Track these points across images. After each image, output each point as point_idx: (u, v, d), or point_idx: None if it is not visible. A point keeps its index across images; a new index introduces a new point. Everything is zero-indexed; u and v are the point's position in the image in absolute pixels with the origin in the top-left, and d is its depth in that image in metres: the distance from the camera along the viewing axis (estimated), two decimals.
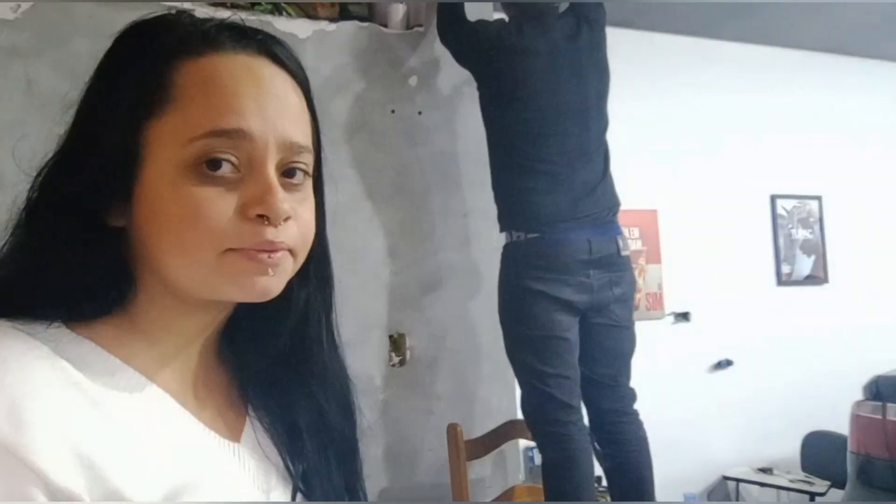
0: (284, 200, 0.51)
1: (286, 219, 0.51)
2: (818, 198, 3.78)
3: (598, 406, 1.90)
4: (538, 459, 1.90)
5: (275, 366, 0.62)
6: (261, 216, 0.50)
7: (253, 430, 0.61)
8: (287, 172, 0.53)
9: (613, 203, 1.93)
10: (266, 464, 0.60)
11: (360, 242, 2.07)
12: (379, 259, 2.10)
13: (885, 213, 3.88)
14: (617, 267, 1.86)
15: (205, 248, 0.49)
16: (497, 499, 2.07)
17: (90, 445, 0.45)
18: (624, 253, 1.88)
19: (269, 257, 0.51)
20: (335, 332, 0.65)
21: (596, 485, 2.28)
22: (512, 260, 1.87)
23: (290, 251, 0.53)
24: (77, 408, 0.46)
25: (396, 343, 2.09)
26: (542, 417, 1.81)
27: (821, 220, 3.78)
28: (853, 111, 3.85)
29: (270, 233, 0.51)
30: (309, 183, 0.56)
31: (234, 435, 0.59)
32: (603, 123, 1.96)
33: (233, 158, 0.50)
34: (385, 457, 2.04)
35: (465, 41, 1.99)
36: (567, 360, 1.81)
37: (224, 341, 0.62)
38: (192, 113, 0.49)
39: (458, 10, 2.02)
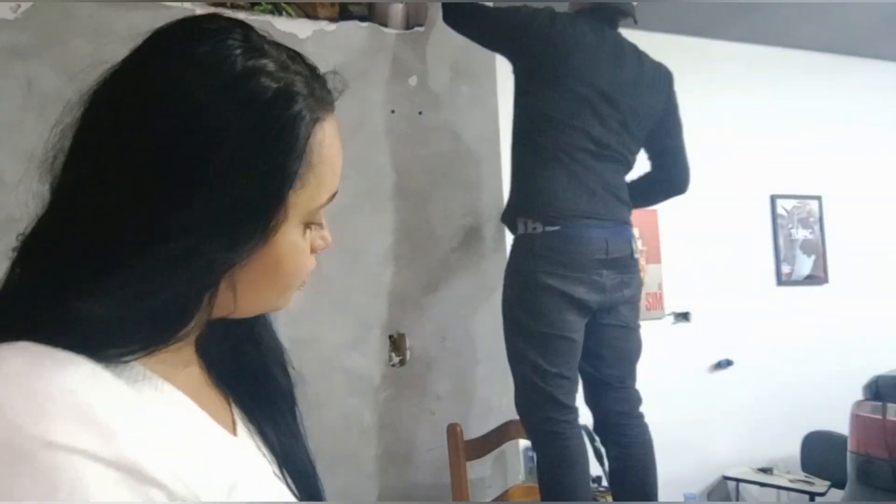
0: None
1: None
2: (818, 198, 3.78)
3: (605, 407, 1.89)
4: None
5: (233, 348, 0.66)
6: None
7: (241, 421, 0.63)
8: None
9: (628, 214, 1.92)
10: (259, 447, 0.62)
11: (360, 242, 2.07)
12: (379, 259, 2.10)
13: (885, 213, 3.88)
14: (628, 268, 1.85)
15: (296, 285, 0.59)
16: (497, 499, 2.07)
17: (158, 453, 0.46)
18: (636, 255, 1.88)
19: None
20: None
21: (595, 485, 2.29)
22: (527, 252, 1.82)
23: None
24: (137, 414, 0.47)
25: (396, 343, 2.09)
26: (538, 416, 1.80)
27: (821, 220, 3.78)
28: (853, 111, 3.85)
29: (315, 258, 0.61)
30: None
31: (232, 429, 0.60)
32: (627, 143, 1.93)
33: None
34: (385, 457, 2.04)
35: (499, 24, 1.93)
36: (570, 362, 1.79)
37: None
38: (322, 182, 0.56)
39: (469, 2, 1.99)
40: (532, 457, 2.66)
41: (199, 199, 0.48)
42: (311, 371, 2.01)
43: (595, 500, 2.15)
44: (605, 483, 1.96)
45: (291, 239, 0.55)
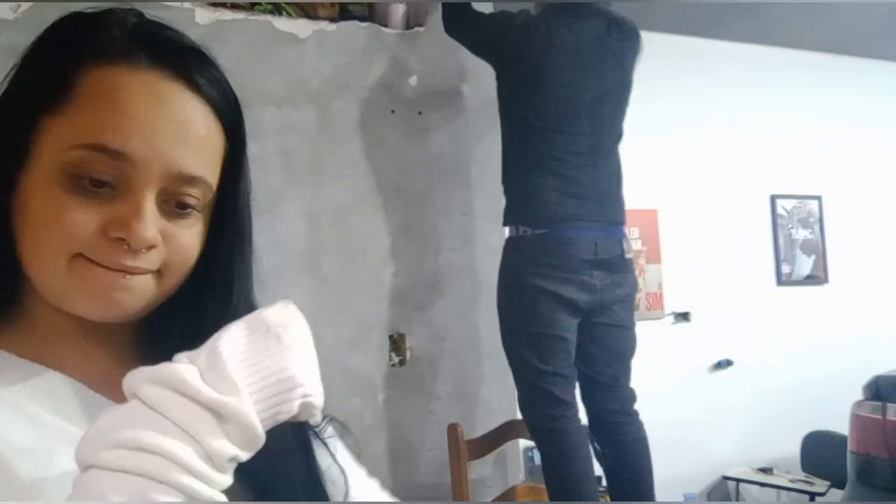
0: (149, 229, 0.50)
1: (150, 247, 0.51)
2: (818, 198, 3.78)
3: (599, 406, 1.90)
4: (538, 459, 1.91)
5: None
6: (121, 239, 0.50)
7: None
8: (176, 202, 0.53)
9: (620, 214, 1.93)
10: None
11: (360, 242, 2.07)
12: (379, 259, 2.10)
13: (885, 213, 3.88)
14: (620, 269, 1.86)
15: (54, 250, 0.49)
16: (497, 498, 2.08)
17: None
18: (628, 256, 1.88)
19: (124, 277, 0.51)
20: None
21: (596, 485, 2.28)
22: (516, 254, 1.85)
23: (159, 273, 0.53)
24: None
25: (396, 343, 2.09)
26: (537, 413, 1.82)
27: (821, 220, 3.78)
28: (853, 111, 3.84)
29: (128, 257, 0.50)
30: (198, 214, 0.55)
31: None
32: (616, 131, 1.94)
33: (107, 177, 0.49)
34: (386, 456, 2.04)
35: (483, 33, 1.96)
36: (564, 359, 1.81)
37: (146, 337, 0.61)
38: (82, 120, 0.49)
39: (465, 4, 2.01)
40: (532, 457, 2.66)
41: None
42: None
43: (597, 494, 2.15)
44: (605, 483, 1.97)
45: (40, 179, 0.49)
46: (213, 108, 0.54)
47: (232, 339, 0.46)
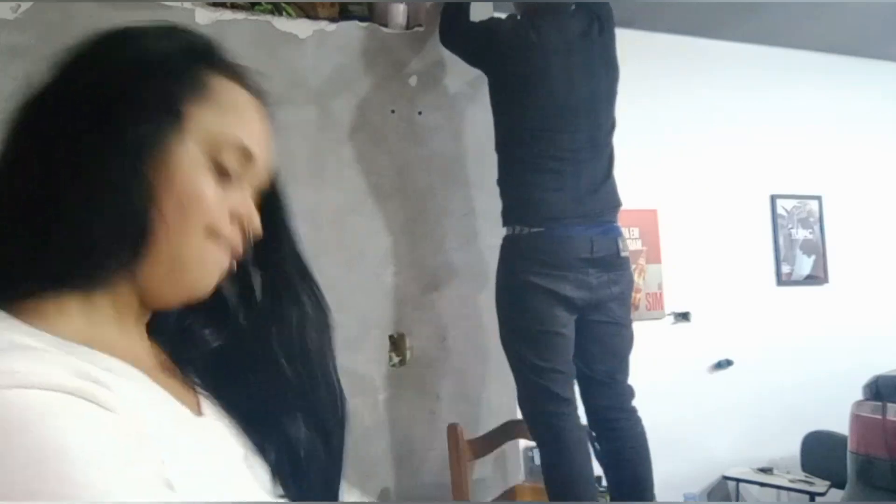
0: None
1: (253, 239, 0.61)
2: (818, 198, 3.78)
3: (596, 403, 1.91)
4: (538, 459, 1.91)
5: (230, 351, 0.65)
6: (240, 228, 0.59)
7: (209, 402, 0.62)
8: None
9: (615, 202, 1.94)
10: (229, 429, 0.61)
11: (360, 242, 2.07)
12: (379, 259, 2.10)
13: (885, 213, 3.88)
14: (616, 267, 1.87)
15: (195, 221, 0.55)
16: (498, 498, 2.08)
17: None
18: (623, 254, 1.89)
19: (230, 259, 0.60)
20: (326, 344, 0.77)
21: (596, 484, 2.28)
22: (512, 253, 1.87)
23: None
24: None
25: (396, 343, 2.09)
26: (536, 409, 1.83)
27: (821, 220, 3.77)
28: (853, 111, 3.84)
29: (240, 243, 0.60)
30: None
31: (196, 408, 0.60)
32: (611, 122, 1.97)
33: (234, 171, 0.58)
34: (386, 457, 2.04)
35: (473, 43, 1.99)
36: (562, 356, 1.83)
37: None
38: (225, 119, 0.57)
39: (461, 15, 2.02)
40: (532, 457, 2.66)
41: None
42: None
43: (596, 490, 2.15)
44: (605, 483, 1.97)
45: (192, 158, 0.55)
46: None
47: None
